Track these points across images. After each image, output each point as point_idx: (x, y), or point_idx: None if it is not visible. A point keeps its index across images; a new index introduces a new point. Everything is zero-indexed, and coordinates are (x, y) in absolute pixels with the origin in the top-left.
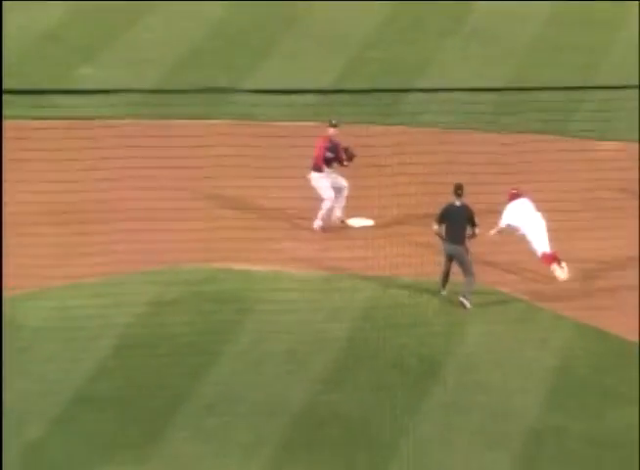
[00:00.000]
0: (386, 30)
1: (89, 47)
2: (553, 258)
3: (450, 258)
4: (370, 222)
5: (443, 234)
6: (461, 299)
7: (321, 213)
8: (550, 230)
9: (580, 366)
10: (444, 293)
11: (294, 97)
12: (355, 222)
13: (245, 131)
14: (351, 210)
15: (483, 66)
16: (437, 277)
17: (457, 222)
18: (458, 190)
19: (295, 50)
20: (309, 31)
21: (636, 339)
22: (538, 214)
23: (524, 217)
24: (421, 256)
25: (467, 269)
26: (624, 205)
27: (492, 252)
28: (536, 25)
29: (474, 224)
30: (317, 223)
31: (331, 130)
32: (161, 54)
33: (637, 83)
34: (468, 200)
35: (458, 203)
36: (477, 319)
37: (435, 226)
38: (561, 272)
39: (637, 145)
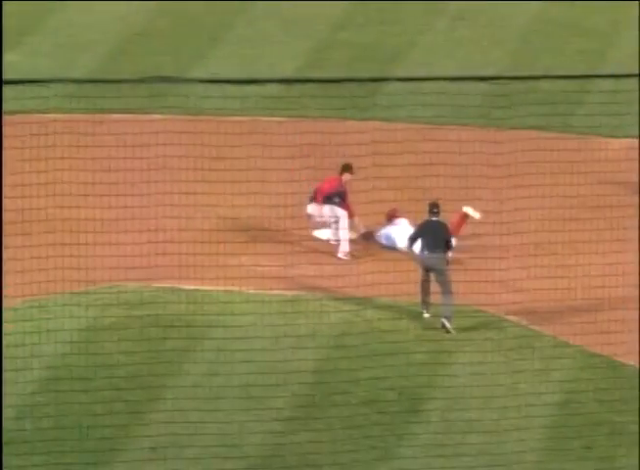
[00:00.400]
0: (359, 9)
1: (14, 31)
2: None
3: (428, 270)
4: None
5: (417, 252)
6: (443, 320)
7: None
8: (550, 243)
9: (587, 401)
10: (427, 315)
11: (251, 88)
12: (323, 234)
13: (194, 127)
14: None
15: (473, 51)
16: (419, 297)
17: (436, 234)
18: (434, 208)
19: (252, 33)
20: (269, 11)
21: None
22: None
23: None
24: (400, 272)
25: (446, 285)
26: (638, 212)
27: (483, 267)
28: (534, 5)
29: (448, 247)
30: (342, 249)
31: (346, 175)
32: (97, 38)
33: None
34: (454, 208)
35: (435, 218)
36: (465, 347)
37: (408, 243)
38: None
39: None
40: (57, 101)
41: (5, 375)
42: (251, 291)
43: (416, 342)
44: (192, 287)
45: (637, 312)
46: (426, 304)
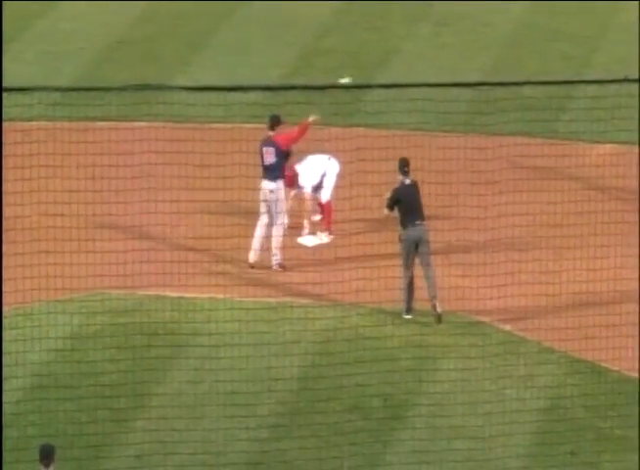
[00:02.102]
0: (343, 16)
1: None
2: (329, 215)
3: (415, 247)
4: (325, 239)
5: (398, 219)
6: (435, 303)
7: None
8: (535, 249)
9: (572, 407)
10: (410, 316)
11: (235, 95)
12: (308, 240)
13: (177, 135)
14: (303, 226)
15: (457, 57)
16: (402, 304)
17: (414, 202)
18: (404, 167)
19: (236, 40)
20: (253, 17)
21: (636, 375)
22: (333, 161)
23: (322, 169)
24: (385, 279)
25: (429, 258)
26: (622, 218)
27: (467, 273)
28: (519, 11)
29: None
30: (275, 259)
31: (271, 133)
32: (80, 46)
33: (636, 76)
34: (439, 213)
35: (408, 181)
36: (450, 353)
37: (386, 211)
38: (313, 240)
39: (636, 148)
40: (40, 109)
41: None
42: (236, 298)
43: (401, 348)
44: (176, 294)
45: (620, 317)
46: (410, 299)
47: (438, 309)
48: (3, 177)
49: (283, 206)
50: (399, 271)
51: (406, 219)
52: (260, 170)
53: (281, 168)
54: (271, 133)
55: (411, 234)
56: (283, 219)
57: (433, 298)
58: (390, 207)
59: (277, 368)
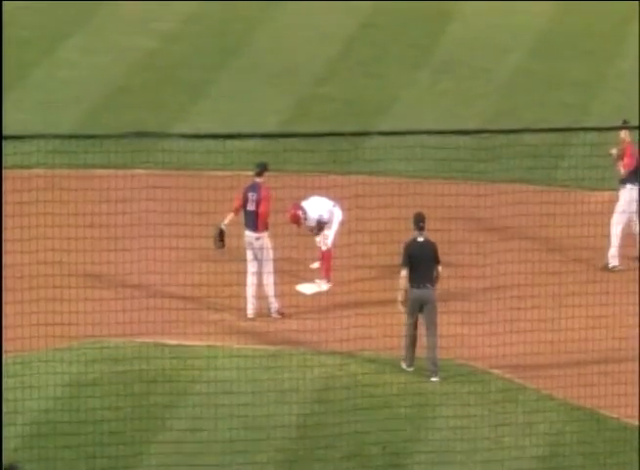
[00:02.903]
0: (342, 63)
1: None
2: (328, 263)
3: (420, 309)
4: (324, 287)
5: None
6: (433, 379)
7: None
8: (533, 296)
9: (571, 454)
10: (411, 369)
11: (233, 142)
12: (307, 288)
13: (176, 183)
14: (302, 273)
15: (456, 104)
16: (403, 351)
17: (423, 261)
18: (420, 222)
19: (235, 87)
20: (251, 65)
21: (635, 422)
22: (337, 209)
23: (326, 210)
24: (384, 326)
25: (434, 323)
26: (622, 266)
27: (466, 321)
28: (518, 57)
29: (437, 261)
30: (273, 307)
31: (258, 179)
32: (79, 94)
33: (636, 123)
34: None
35: (421, 238)
36: (449, 400)
37: (404, 272)
38: (312, 288)
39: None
40: (39, 156)
41: None
42: (235, 346)
43: (399, 396)
44: (175, 342)
45: (620, 365)
46: (412, 353)
47: (438, 384)
48: (2, 225)
49: (270, 253)
50: (400, 318)
51: (412, 278)
52: (243, 217)
53: (264, 216)
54: (258, 180)
55: (416, 295)
56: (270, 267)
57: (432, 373)
58: (405, 263)
59: (276, 416)
